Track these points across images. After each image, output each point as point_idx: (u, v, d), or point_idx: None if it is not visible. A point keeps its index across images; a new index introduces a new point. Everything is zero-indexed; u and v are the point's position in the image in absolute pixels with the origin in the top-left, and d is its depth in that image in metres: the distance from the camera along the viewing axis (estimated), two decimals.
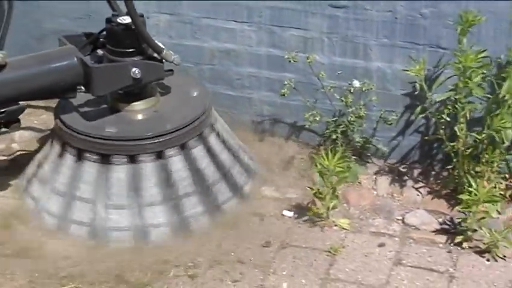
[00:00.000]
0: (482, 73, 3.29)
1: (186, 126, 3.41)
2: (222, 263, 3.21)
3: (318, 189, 3.42)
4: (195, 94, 3.61)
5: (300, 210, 3.49)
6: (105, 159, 3.36)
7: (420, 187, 3.61)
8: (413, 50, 3.54)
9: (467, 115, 3.40)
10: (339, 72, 3.68)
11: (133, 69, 3.36)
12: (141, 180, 3.35)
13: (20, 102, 3.37)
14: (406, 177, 3.66)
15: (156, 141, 3.35)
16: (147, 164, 3.35)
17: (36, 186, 3.52)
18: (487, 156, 3.40)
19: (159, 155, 3.36)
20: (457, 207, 3.34)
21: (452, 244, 3.29)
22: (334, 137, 3.69)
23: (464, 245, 3.27)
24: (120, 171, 3.35)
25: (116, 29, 3.41)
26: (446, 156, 3.60)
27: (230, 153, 3.59)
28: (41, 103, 4.03)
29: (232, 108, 3.93)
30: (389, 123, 3.65)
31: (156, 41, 3.43)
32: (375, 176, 3.69)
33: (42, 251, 3.29)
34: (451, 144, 3.46)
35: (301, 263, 3.21)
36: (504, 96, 3.28)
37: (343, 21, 3.63)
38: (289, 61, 3.63)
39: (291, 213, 3.49)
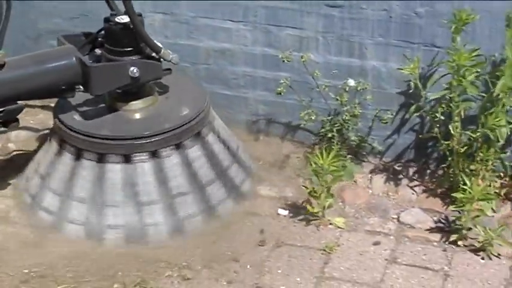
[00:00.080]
0: (476, 71, 3.30)
1: (182, 125, 3.41)
2: (217, 262, 3.21)
3: (313, 188, 3.43)
4: (192, 94, 3.61)
5: (296, 209, 3.50)
6: (102, 158, 3.36)
7: (415, 186, 3.61)
8: (408, 48, 3.55)
9: (462, 113, 3.40)
10: (334, 71, 3.68)
11: (132, 68, 3.36)
12: (137, 179, 3.36)
13: (19, 102, 3.38)
14: (401, 176, 3.67)
15: (151, 140, 3.35)
16: (143, 163, 3.36)
17: (35, 185, 3.52)
18: (481, 154, 3.40)
19: (155, 154, 3.37)
20: (451, 206, 3.34)
21: (447, 242, 3.29)
22: (329, 135, 3.70)
23: (459, 243, 3.28)
24: (116, 171, 3.36)
25: (114, 28, 3.41)
26: (441, 154, 3.61)
27: (228, 153, 3.59)
28: (37, 102, 4.04)
29: (228, 107, 3.93)
30: (384, 121, 3.66)
31: (154, 41, 3.44)
32: (370, 175, 3.69)
33: (38, 249, 3.30)
34: (446, 142, 3.46)
35: (297, 261, 3.22)
36: (498, 94, 3.28)
37: (339, 20, 3.63)
38: (283, 61, 3.64)
39: (286, 212, 3.49)
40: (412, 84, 3.49)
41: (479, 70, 3.31)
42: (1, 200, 3.57)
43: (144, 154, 3.35)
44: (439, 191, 3.55)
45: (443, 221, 3.41)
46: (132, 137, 3.35)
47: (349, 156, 3.71)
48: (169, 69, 3.53)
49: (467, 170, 3.45)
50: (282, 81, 3.69)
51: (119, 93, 3.49)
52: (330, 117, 3.74)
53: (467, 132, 3.41)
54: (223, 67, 3.91)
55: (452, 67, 3.28)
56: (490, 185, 3.41)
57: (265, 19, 3.75)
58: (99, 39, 3.52)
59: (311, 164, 3.40)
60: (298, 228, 3.41)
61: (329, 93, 3.68)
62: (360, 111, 3.63)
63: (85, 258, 3.23)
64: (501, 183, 3.49)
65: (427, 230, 3.37)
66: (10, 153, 3.88)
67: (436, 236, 3.33)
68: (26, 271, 3.17)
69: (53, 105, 3.64)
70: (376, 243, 3.31)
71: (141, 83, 3.45)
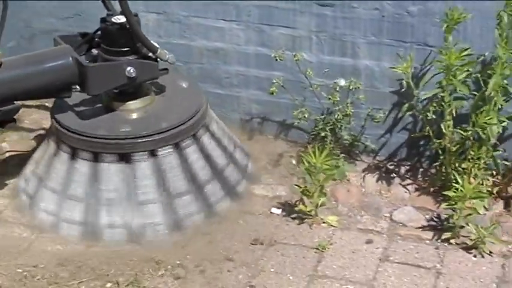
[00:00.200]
0: (467, 71, 3.31)
1: (180, 125, 3.42)
2: (211, 261, 3.22)
3: (306, 187, 3.44)
4: (190, 94, 3.62)
5: (289, 207, 3.51)
6: (98, 157, 3.37)
7: (408, 184, 3.63)
8: (400, 47, 3.56)
9: (454, 112, 3.41)
10: (326, 70, 3.69)
11: (128, 68, 3.37)
12: (135, 179, 3.36)
13: (15, 102, 3.39)
14: (393, 175, 3.68)
15: (149, 139, 3.36)
16: (140, 162, 3.37)
17: (32, 185, 3.53)
18: (473, 153, 3.41)
19: (153, 154, 3.38)
20: (443, 204, 3.35)
21: (439, 240, 3.31)
22: (322, 134, 3.71)
23: (452, 241, 3.29)
24: (113, 170, 3.36)
25: (111, 28, 3.41)
26: (433, 153, 3.62)
27: (225, 153, 3.60)
28: (32, 102, 4.04)
29: (221, 106, 3.93)
30: (377, 120, 3.67)
31: (150, 41, 3.44)
32: (363, 174, 3.70)
33: (32, 249, 3.30)
34: (438, 141, 3.47)
35: (289, 260, 3.23)
36: (490, 93, 3.29)
37: (331, 19, 3.64)
38: (276, 59, 3.65)
39: (279, 211, 3.50)
40: (404, 83, 3.50)
41: (469, 69, 3.32)
42: None
43: (142, 153, 3.36)
44: (431, 189, 3.56)
45: (435, 219, 3.42)
46: (130, 137, 3.36)
47: (342, 155, 3.72)
48: (166, 69, 3.53)
49: (459, 168, 3.46)
50: (274, 81, 3.69)
51: (116, 93, 3.50)
52: (323, 116, 3.75)
53: (459, 131, 3.42)
54: (216, 66, 3.92)
55: (443, 66, 3.29)
56: (482, 183, 3.42)
57: (258, 18, 3.76)
58: (96, 39, 3.53)
59: (304, 163, 3.41)
60: (291, 227, 3.42)
61: (322, 93, 3.69)
62: (353, 110, 3.64)
63: (79, 258, 3.23)
64: (493, 182, 3.50)
65: (420, 228, 3.38)
66: (4, 153, 3.88)
67: (429, 234, 3.34)
68: (20, 271, 3.17)
69: (47, 105, 3.65)
70: (369, 242, 3.32)
71: (138, 83, 3.46)
